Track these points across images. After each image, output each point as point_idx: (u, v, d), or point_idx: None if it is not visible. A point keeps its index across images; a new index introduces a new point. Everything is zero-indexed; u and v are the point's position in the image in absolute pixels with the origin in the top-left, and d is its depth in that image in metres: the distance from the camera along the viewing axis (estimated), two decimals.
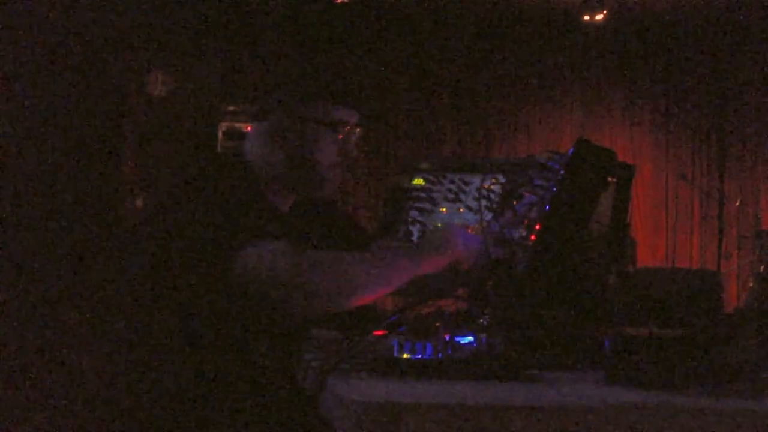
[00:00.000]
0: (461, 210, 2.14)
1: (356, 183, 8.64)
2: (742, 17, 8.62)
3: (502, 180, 2.05)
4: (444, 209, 2.19)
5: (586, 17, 8.47)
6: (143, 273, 2.02)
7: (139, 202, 6.97)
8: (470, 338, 1.70)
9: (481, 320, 1.75)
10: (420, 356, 1.59)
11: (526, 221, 1.88)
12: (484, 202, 1.99)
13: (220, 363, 1.91)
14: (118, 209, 6.78)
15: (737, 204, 8.60)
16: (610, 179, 1.94)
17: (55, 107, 6.15)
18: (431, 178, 2.26)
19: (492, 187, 2.04)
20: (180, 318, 1.92)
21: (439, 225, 2.13)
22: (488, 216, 2.03)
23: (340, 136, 2.09)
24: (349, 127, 2.11)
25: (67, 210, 6.04)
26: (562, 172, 1.86)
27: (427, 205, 2.23)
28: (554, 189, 1.86)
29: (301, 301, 1.78)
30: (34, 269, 5.77)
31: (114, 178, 6.61)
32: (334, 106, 2.09)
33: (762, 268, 7.10)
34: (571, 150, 1.88)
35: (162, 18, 7.55)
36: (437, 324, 1.70)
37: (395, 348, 1.61)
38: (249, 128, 2.19)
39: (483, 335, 1.67)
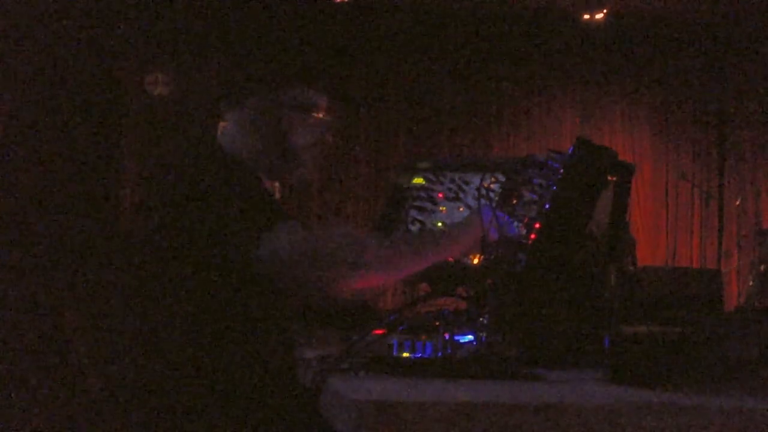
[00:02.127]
0: (461, 209, 2.14)
1: (355, 180, 8.65)
2: (741, 16, 8.62)
3: (502, 179, 2.05)
4: (444, 208, 2.19)
5: (586, 16, 8.47)
6: (151, 271, 2.02)
7: (138, 201, 6.96)
8: (470, 337, 1.70)
9: (481, 319, 1.74)
10: (420, 355, 1.59)
11: (525, 220, 1.88)
12: (483, 201, 1.99)
13: (221, 362, 1.91)
14: (118, 208, 6.78)
15: (737, 203, 8.60)
16: (609, 178, 1.94)
17: (55, 107, 6.15)
18: (431, 177, 2.26)
19: (492, 186, 2.03)
20: (188, 314, 1.92)
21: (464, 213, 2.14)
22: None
23: (312, 120, 2.16)
24: (321, 113, 2.18)
25: (67, 209, 6.04)
26: (561, 171, 1.86)
27: (427, 204, 2.22)
28: (554, 188, 1.85)
29: (323, 273, 1.83)
30: (34, 269, 5.77)
31: (114, 177, 6.61)
32: (305, 90, 2.17)
33: (762, 266, 7.10)
34: (571, 149, 1.88)
35: (161, 18, 7.56)
36: (437, 323, 1.70)
37: (395, 347, 1.61)
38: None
39: (483, 334, 1.67)
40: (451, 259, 2.04)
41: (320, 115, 2.19)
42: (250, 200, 1.94)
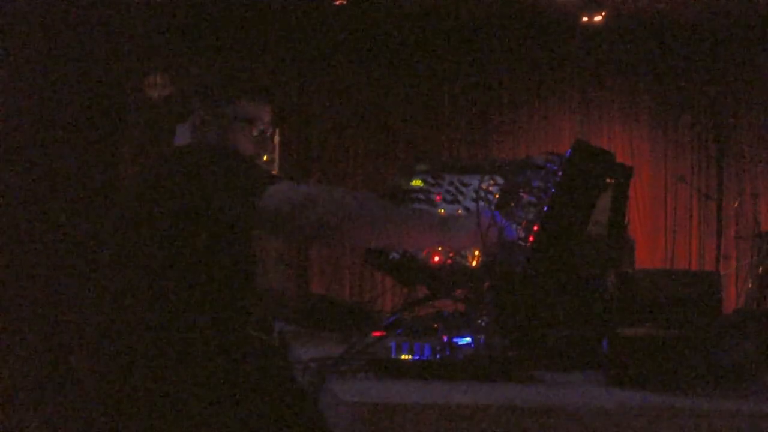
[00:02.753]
0: (459, 211, 2.14)
1: (354, 182, 8.65)
2: (741, 16, 8.62)
3: (501, 181, 2.05)
4: (442, 210, 2.19)
5: (585, 18, 8.47)
6: (151, 271, 2.02)
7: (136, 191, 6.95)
8: (468, 339, 1.70)
9: (480, 321, 1.75)
10: (418, 357, 1.59)
11: (524, 223, 1.88)
12: (482, 204, 1.99)
13: (222, 361, 1.91)
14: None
15: (735, 205, 8.61)
16: (608, 180, 1.94)
17: (55, 107, 6.15)
18: (430, 179, 2.26)
19: (490, 188, 2.03)
20: (189, 314, 1.93)
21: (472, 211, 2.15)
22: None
23: (254, 132, 2.28)
24: (264, 125, 2.30)
25: (67, 209, 6.04)
26: (560, 173, 1.86)
27: (426, 207, 2.22)
28: (552, 190, 1.85)
29: (325, 217, 1.89)
30: (33, 269, 5.77)
31: (114, 177, 6.61)
32: (248, 103, 2.28)
33: (761, 268, 7.11)
34: (569, 151, 1.88)
35: (160, 20, 7.56)
36: (435, 325, 1.70)
37: (393, 349, 1.60)
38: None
39: (481, 336, 1.66)
40: (452, 256, 2.05)
41: (261, 128, 2.30)
42: (250, 166, 2.00)
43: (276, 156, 2.46)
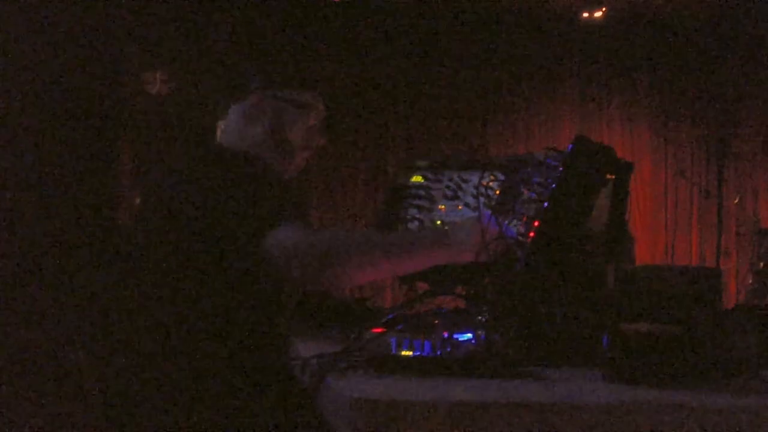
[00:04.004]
0: (460, 207, 2.14)
1: (354, 181, 8.64)
2: (741, 16, 8.61)
3: (501, 177, 2.04)
4: (443, 207, 2.19)
5: (585, 14, 8.46)
6: (151, 270, 2.02)
7: (137, 201, 6.96)
8: (469, 335, 1.70)
9: (480, 317, 1.74)
10: (418, 353, 1.59)
11: (524, 218, 1.88)
12: (482, 200, 1.99)
13: (222, 361, 1.91)
14: (116, 208, 6.78)
15: (736, 201, 8.60)
16: (608, 176, 1.94)
17: (54, 106, 6.15)
18: (430, 175, 2.26)
19: (491, 184, 2.03)
20: (189, 313, 1.92)
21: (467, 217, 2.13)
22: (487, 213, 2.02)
23: (311, 121, 2.26)
24: (316, 113, 2.27)
25: (67, 209, 6.03)
26: (560, 169, 1.86)
27: (426, 203, 2.22)
28: (553, 186, 1.85)
29: (328, 264, 1.85)
30: (33, 269, 5.77)
31: (113, 176, 6.61)
32: (303, 91, 2.27)
33: (761, 265, 7.10)
34: (570, 147, 1.88)
35: (161, 16, 7.55)
36: (436, 321, 1.70)
37: (393, 345, 1.60)
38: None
39: (481, 332, 1.66)
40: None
41: (317, 118, 2.27)
42: (256, 195, 1.95)
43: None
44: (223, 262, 1.92)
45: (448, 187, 2.21)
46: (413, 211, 2.24)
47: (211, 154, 2.16)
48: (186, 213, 1.98)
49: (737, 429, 1.34)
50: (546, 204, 1.84)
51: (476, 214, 1.99)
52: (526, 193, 1.92)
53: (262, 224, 1.87)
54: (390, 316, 1.75)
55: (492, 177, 2.04)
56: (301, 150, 2.26)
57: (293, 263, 1.84)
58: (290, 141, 2.23)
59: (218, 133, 2.29)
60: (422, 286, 2.22)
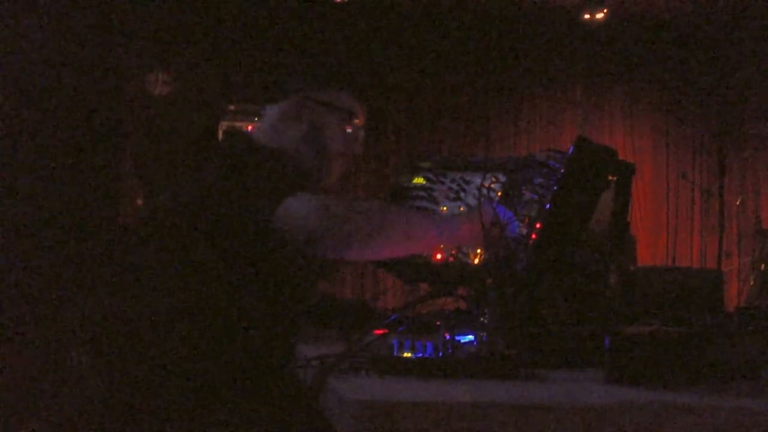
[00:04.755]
0: (462, 209, 2.14)
1: (357, 181, 8.65)
2: (742, 15, 8.61)
3: (503, 179, 2.04)
4: (445, 208, 2.19)
5: (587, 15, 8.46)
6: (151, 270, 2.01)
7: (139, 200, 6.96)
8: (470, 337, 1.70)
9: (482, 319, 1.74)
10: (420, 355, 1.59)
11: (526, 220, 1.88)
12: (484, 199, 1.99)
13: (221, 361, 1.91)
14: (119, 207, 6.78)
15: (738, 202, 8.60)
16: (610, 178, 1.94)
17: (55, 106, 6.15)
18: (432, 176, 2.26)
19: (492, 185, 2.03)
20: (189, 313, 1.91)
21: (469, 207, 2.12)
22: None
23: (348, 128, 2.16)
24: (357, 120, 2.19)
25: (68, 209, 6.04)
26: (562, 170, 1.86)
27: (428, 204, 2.22)
28: (554, 188, 1.85)
29: (340, 230, 1.81)
30: (35, 269, 5.77)
31: (115, 176, 6.61)
32: (345, 94, 2.18)
33: (763, 266, 7.10)
34: (572, 149, 1.88)
35: (164, 17, 7.55)
36: (437, 323, 1.70)
37: (395, 347, 1.60)
38: (250, 127, 2.22)
39: (483, 334, 1.66)
40: (454, 254, 2.04)
41: (357, 124, 2.19)
42: (270, 178, 1.91)
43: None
44: (231, 257, 1.89)
45: (450, 188, 2.21)
46: None
47: (217, 149, 2.13)
48: (193, 208, 1.97)
49: (738, 430, 1.34)
50: (548, 205, 1.84)
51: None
52: (527, 195, 1.92)
53: (273, 197, 1.83)
54: (392, 318, 1.75)
55: (494, 178, 2.04)
56: (338, 156, 2.16)
57: (303, 228, 1.80)
58: (327, 146, 2.13)
59: (255, 133, 2.20)
60: (424, 288, 2.23)
